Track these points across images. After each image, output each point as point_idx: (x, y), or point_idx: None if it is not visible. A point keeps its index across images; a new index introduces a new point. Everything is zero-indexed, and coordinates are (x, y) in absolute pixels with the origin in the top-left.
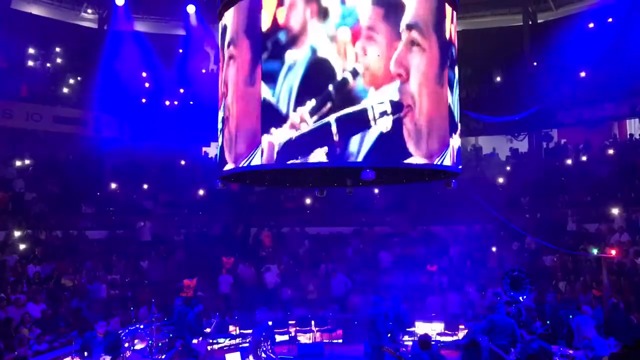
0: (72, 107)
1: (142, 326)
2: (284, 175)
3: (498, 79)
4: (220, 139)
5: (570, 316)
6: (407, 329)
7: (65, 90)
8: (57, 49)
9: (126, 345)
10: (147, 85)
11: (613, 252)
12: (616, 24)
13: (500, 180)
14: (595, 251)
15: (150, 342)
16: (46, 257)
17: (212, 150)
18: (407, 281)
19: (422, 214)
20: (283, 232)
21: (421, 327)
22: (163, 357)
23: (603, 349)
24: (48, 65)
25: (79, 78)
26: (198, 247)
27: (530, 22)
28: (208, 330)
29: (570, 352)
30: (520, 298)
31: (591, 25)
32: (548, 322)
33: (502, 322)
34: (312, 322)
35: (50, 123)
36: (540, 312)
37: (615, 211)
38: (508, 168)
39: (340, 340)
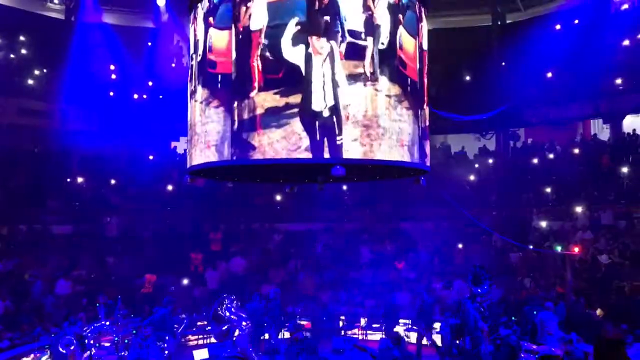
0: (37, 99)
1: (107, 323)
2: (255, 172)
3: (467, 78)
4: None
5: (535, 312)
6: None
7: (30, 81)
8: (22, 39)
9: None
10: (113, 77)
11: (576, 249)
12: (582, 26)
13: (469, 178)
14: (559, 248)
15: (115, 338)
16: (9, 252)
17: (181, 145)
18: (375, 277)
19: (390, 211)
20: (253, 228)
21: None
22: (126, 353)
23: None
24: (12, 56)
25: (44, 70)
26: (166, 243)
27: (499, 22)
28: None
29: (534, 347)
30: (479, 290)
31: (558, 26)
32: (513, 318)
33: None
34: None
35: (15, 115)
36: (505, 309)
37: (578, 209)
38: (476, 166)
39: (308, 334)
